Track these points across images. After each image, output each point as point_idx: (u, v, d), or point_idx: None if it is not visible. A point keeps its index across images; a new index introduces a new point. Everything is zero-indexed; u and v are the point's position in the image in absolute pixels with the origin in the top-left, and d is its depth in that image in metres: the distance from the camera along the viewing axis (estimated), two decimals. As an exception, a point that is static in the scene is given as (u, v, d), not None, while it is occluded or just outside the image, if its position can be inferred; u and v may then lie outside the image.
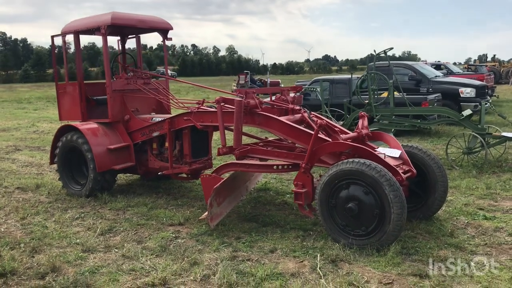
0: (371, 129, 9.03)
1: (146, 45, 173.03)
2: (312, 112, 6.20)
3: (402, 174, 4.95)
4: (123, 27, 7.56)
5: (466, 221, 5.59)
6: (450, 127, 13.11)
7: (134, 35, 8.23)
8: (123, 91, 7.32)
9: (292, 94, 6.63)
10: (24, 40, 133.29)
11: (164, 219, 5.89)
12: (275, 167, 5.68)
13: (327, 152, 5.23)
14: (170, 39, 7.88)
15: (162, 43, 7.92)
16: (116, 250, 4.92)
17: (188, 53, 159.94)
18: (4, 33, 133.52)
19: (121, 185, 8.09)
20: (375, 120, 9.26)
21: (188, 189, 7.58)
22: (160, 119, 6.92)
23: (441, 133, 12.84)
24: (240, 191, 6.39)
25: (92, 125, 7.23)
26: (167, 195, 7.17)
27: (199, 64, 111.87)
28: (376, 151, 5.40)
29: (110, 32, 8.00)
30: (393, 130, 10.24)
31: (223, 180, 5.51)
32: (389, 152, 5.39)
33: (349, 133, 5.68)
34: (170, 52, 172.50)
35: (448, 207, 6.13)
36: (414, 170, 5.26)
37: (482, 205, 6.20)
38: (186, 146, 6.76)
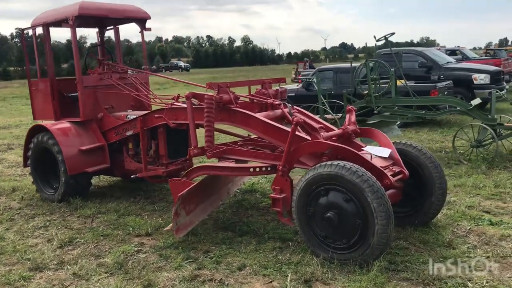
0: (372, 121, 8.43)
1: (161, 37, 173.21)
2: (295, 107, 5.56)
3: (390, 177, 4.32)
4: (99, 18, 7.03)
5: (469, 227, 4.93)
6: (463, 116, 12.31)
7: (112, 27, 7.68)
8: (96, 87, 6.78)
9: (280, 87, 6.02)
10: (40, 36, 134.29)
11: (131, 228, 5.34)
12: (251, 169, 5.09)
13: (306, 153, 4.61)
14: (149, 29, 7.30)
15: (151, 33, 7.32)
16: (69, 267, 4.39)
17: (203, 45, 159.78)
18: (21, 29, 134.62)
19: (102, 187, 7.60)
20: (375, 111, 8.57)
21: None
22: (134, 116, 6.36)
23: (452, 123, 12.10)
24: (220, 195, 5.81)
25: (64, 124, 6.71)
26: (145, 199, 6.64)
27: (213, 55, 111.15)
28: (363, 150, 4.78)
29: (86, 24, 7.51)
30: (398, 122, 9.53)
31: (190, 186, 4.93)
32: (378, 151, 4.74)
33: (334, 130, 5.05)
34: (185, 43, 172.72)
35: (450, 209, 5.47)
36: (406, 172, 4.61)
37: (488, 207, 5.52)
38: (162, 146, 6.19)
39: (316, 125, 4.94)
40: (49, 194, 6.77)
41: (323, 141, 4.49)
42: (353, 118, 5.14)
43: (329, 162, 4.19)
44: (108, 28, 7.75)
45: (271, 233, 4.99)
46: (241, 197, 6.45)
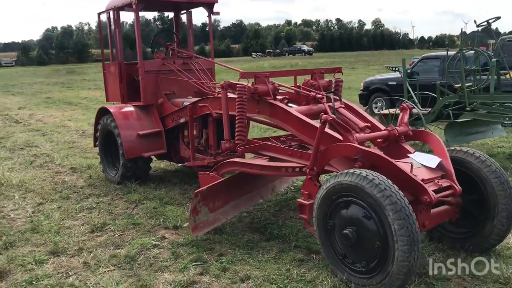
0: (462, 120, 7.34)
1: (290, 21, 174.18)
2: (344, 101, 4.91)
3: (431, 193, 3.57)
4: (166, 3, 6.99)
5: (543, 262, 3.96)
6: None
7: (185, 11, 7.58)
8: (158, 72, 6.74)
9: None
10: (161, 18, 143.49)
11: (163, 219, 5.21)
12: (283, 169, 4.61)
13: (335, 156, 4.02)
14: (217, 13, 7.05)
15: (207, 17, 7.10)
16: (85, 255, 4.35)
17: (331, 28, 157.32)
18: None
19: (168, 171, 7.63)
20: (467, 108, 7.40)
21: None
22: (188, 103, 6.20)
23: None
24: (261, 192, 5.42)
25: (127, 108, 6.80)
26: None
27: (338, 39, 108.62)
28: (408, 157, 4.05)
29: (163, 8, 7.52)
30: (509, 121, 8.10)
31: (214, 183, 4.62)
32: (425, 160, 3.98)
33: (380, 130, 4.35)
34: (314, 27, 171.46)
35: (527, 235, 4.46)
36: (458, 187, 3.81)
37: None
38: (211, 135, 5.96)
39: (361, 124, 4.31)
40: (112, 176, 6.95)
41: (352, 144, 3.85)
42: (406, 118, 4.38)
43: (351, 170, 3.59)
44: (182, 12, 7.67)
45: (300, 241, 4.50)
46: (292, 195, 6.00)
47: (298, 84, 5.17)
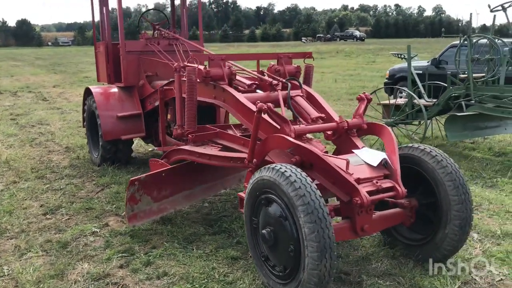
0: (464, 113, 6.71)
1: (347, 5, 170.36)
2: (307, 89, 4.50)
3: (365, 194, 3.18)
4: None
5: (499, 278, 3.48)
6: None
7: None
8: (141, 53, 6.53)
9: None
10: (234, 2, 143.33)
11: (116, 205, 5.04)
12: (231, 161, 4.28)
13: (271, 148, 3.67)
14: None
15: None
16: (22, 237, 4.26)
17: (390, 14, 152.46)
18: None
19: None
20: (472, 101, 6.71)
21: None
22: (163, 86, 5.96)
23: None
24: (225, 182, 5.13)
25: (109, 89, 6.66)
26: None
27: (394, 25, 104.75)
28: (352, 152, 3.65)
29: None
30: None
31: (156, 171, 4.38)
32: (369, 157, 3.56)
33: (332, 122, 3.95)
34: (371, 12, 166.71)
35: (498, 245, 3.97)
36: (401, 189, 3.38)
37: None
38: (182, 120, 5.71)
39: (313, 115, 3.96)
40: (95, 157, 6.86)
41: (283, 136, 3.49)
42: (361, 109, 3.95)
43: (273, 165, 3.24)
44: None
45: (245, 237, 4.18)
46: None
47: (261, 70, 4.81)
